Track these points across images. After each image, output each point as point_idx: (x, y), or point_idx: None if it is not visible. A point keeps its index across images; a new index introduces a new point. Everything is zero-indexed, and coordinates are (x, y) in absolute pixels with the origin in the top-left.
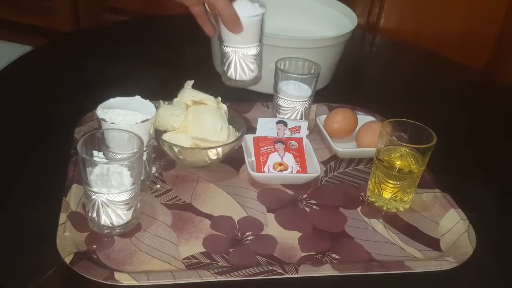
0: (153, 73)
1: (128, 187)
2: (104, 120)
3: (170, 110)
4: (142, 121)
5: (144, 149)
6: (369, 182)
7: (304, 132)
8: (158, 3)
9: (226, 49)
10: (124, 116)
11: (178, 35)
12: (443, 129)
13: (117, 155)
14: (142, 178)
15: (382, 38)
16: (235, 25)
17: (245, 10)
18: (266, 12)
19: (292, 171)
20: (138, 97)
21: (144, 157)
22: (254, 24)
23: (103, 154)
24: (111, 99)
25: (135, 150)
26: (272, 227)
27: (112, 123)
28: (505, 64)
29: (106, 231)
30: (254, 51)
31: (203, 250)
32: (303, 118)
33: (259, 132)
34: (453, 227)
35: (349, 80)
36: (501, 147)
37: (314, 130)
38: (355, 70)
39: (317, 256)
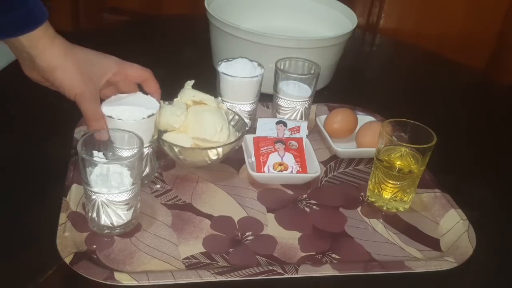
0: (153, 73)
1: (128, 187)
2: (110, 117)
3: (170, 110)
4: (149, 116)
5: (150, 144)
6: (369, 182)
7: (303, 133)
8: (158, 3)
9: (225, 104)
10: (130, 112)
11: (178, 35)
12: (443, 129)
13: (122, 151)
14: (148, 172)
15: (382, 38)
16: (97, 124)
17: (245, 70)
18: (264, 73)
19: (292, 171)
20: (139, 93)
21: (150, 151)
22: (253, 84)
23: (105, 152)
24: (113, 96)
25: (135, 151)
26: (272, 227)
27: (119, 119)
28: (505, 64)
29: (106, 231)
30: (249, 107)
31: (203, 250)
32: (303, 118)
33: (259, 132)
34: (453, 227)
35: (349, 80)
36: (501, 147)
37: (314, 130)
38: (355, 70)
39: (317, 256)
